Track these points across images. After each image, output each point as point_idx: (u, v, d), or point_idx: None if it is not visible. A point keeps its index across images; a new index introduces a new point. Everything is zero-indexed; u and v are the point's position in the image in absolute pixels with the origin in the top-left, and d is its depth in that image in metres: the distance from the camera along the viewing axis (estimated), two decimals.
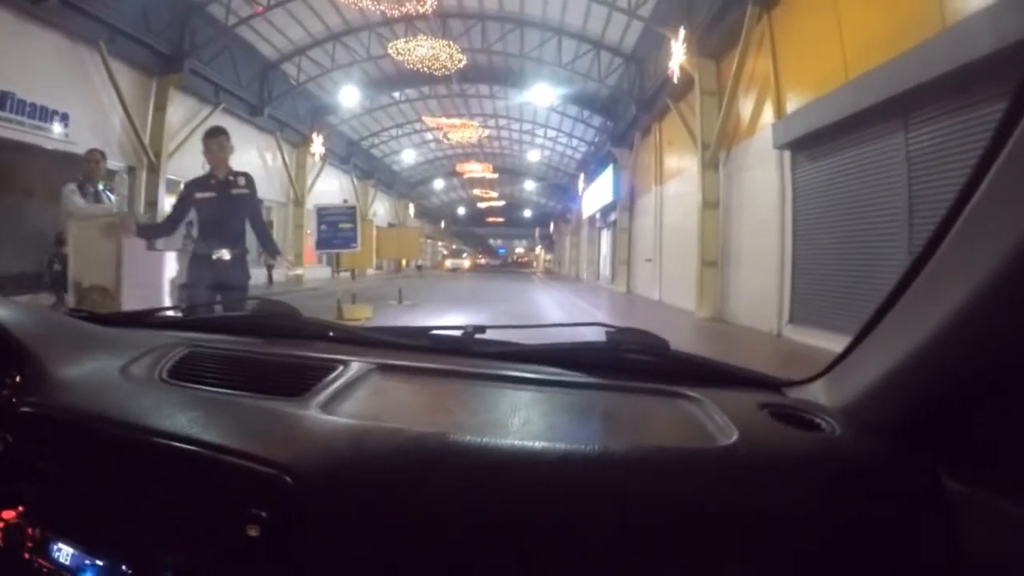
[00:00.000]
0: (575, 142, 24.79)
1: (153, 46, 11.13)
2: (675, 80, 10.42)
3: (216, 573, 0.61)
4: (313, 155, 18.51)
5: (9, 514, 0.68)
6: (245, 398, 0.73)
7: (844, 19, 6.06)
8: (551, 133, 25.12)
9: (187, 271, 3.23)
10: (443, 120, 22.90)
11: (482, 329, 0.96)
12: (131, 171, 11.17)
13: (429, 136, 26.29)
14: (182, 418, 0.67)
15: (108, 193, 4.01)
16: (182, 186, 3.58)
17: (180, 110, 12.14)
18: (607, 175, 18.60)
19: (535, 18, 14.97)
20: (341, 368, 0.81)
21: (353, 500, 0.58)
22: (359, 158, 23.85)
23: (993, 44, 3.74)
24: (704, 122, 9.50)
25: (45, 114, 9.05)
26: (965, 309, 0.45)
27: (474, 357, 0.92)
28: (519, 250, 61.93)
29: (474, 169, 31.97)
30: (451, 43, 14.72)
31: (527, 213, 48.04)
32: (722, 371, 0.86)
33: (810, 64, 6.72)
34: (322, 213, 8.17)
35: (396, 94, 20.44)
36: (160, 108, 11.54)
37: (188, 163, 9.45)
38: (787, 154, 7.20)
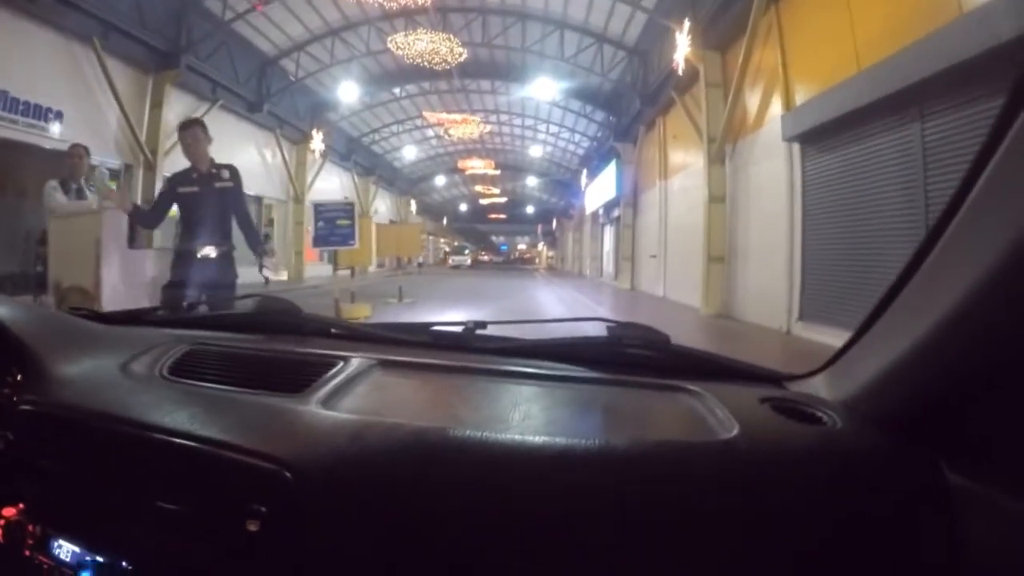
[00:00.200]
0: (577, 137, 24.62)
1: (148, 42, 10.95)
2: (680, 73, 10.24)
3: (217, 568, 0.61)
4: (313, 152, 18.33)
5: (10, 511, 0.68)
6: (245, 394, 0.72)
7: (855, 6, 5.89)
8: (553, 128, 24.97)
9: (171, 270, 3.06)
10: (444, 116, 22.71)
11: (483, 325, 0.97)
12: (127, 169, 11.03)
13: (430, 132, 26.14)
14: (182, 414, 0.67)
15: (90, 189, 3.85)
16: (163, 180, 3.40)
17: (177, 107, 11.96)
18: (610, 170, 18.45)
19: (537, 11, 14.77)
20: (341, 364, 0.81)
21: (353, 494, 0.58)
22: (360, 155, 23.67)
23: (1014, 30, 3.57)
24: (710, 115, 9.33)
25: (39, 112, 8.92)
26: (964, 304, 0.46)
27: (475, 353, 0.92)
28: (521, 246, 61.83)
29: (476, 165, 31.84)
30: (451, 36, 14.52)
31: (529, 209, 47.98)
32: (723, 365, 0.86)
33: (820, 54, 6.54)
34: (319, 209, 7.99)
35: (396, 90, 20.26)
36: (156, 105, 11.37)
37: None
38: (796, 147, 7.03)
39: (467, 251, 42.20)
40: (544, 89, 17.68)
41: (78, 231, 3.23)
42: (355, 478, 0.58)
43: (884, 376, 0.58)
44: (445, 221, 48.58)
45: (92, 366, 0.80)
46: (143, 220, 3.42)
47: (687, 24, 9.69)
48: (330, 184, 20.23)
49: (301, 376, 0.76)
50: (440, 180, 36.78)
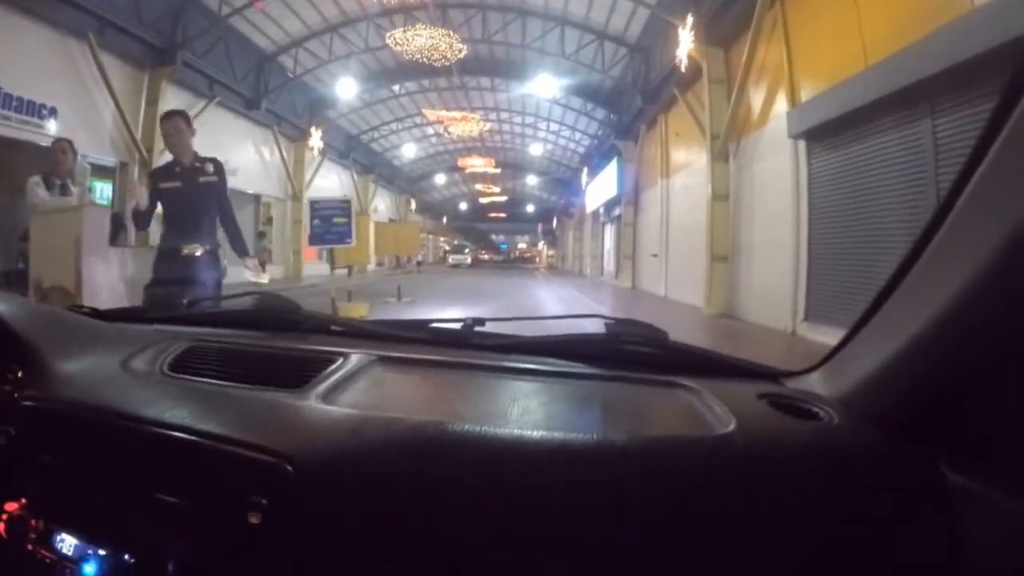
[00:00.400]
0: (578, 135, 24.47)
1: (145, 38, 10.83)
2: (682, 69, 10.09)
3: (218, 560, 0.61)
4: (312, 149, 18.19)
5: (12, 506, 0.68)
6: (245, 390, 0.73)
7: (862, 1, 5.75)
8: (554, 126, 24.82)
9: (153, 269, 2.93)
10: (444, 113, 22.57)
11: (481, 322, 0.97)
12: (123, 167, 10.90)
13: (430, 130, 26.01)
14: (183, 410, 0.68)
15: (72, 185, 3.72)
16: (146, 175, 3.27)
17: (173, 104, 11.68)
18: (611, 169, 18.33)
19: (537, 7, 14.61)
20: (341, 360, 0.81)
21: (352, 487, 0.59)
22: (359, 153, 23.54)
23: None
24: (713, 112, 9.21)
25: (33, 109, 8.79)
26: (961, 299, 0.46)
27: (473, 349, 0.92)
28: (521, 245, 61.65)
29: (476, 163, 31.71)
30: (451, 32, 14.38)
31: (529, 208, 47.82)
32: (721, 362, 0.85)
33: (826, 49, 6.41)
34: (315, 207, 7.83)
35: (396, 87, 20.12)
36: (152, 102, 11.21)
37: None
38: (802, 144, 6.89)
39: (467, 250, 41.96)
40: (545, 86, 17.54)
41: (59, 228, 3.11)
42: (355, 471, 0.59)
43: (881, 372, 0.57)
44: (445, 220, 48.44)
45: (93, 362, 0.80)
46: (137, 221, 3.32)
47: (690, 20, 9.56)
48: (329, 182, 20.09)
49: (301, 372, 0.76)
50: (440, 178, 36.64)
